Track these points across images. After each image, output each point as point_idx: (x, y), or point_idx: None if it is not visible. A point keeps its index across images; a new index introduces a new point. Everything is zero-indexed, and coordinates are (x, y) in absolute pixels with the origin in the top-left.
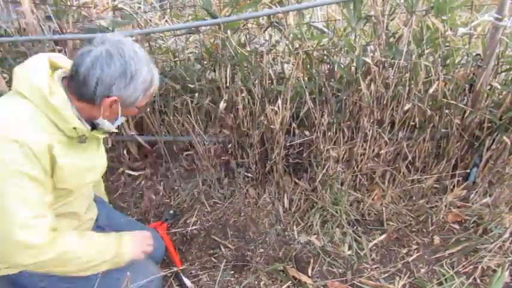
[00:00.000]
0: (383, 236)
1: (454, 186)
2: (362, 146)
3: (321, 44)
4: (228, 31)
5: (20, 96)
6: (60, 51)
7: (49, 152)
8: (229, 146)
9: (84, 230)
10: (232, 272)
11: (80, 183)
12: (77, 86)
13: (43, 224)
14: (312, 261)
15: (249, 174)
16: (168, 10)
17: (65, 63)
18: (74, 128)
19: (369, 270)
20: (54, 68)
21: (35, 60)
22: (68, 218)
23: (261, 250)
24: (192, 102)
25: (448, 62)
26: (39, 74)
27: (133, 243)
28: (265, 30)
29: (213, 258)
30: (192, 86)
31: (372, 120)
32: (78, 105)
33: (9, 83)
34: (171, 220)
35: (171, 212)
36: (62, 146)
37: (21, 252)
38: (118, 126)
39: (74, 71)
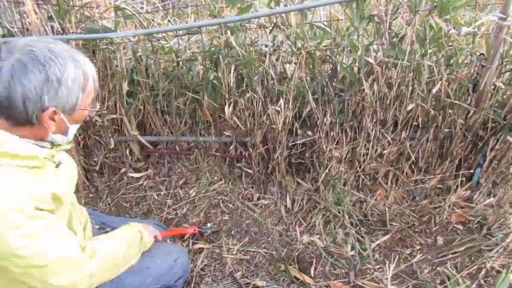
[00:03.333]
0: (386, 237)
1: (457, 187)
2: (365, 146)
3: (324, 44)
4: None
5: None
6: None
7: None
8: (232, 146)
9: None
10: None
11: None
12: (6, 112)
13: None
14: (314, 261)
15: (251, 172)
16: (171, 10)
17: None
18: (45, 158)
19: (372, 270)
20: None
21: None
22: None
23: (264, 250)
24: (194, 102)
25: (451, 61)
26: None
27: (147, 230)
28: (271, 31)
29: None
30: (194, 86)
31: (374, 120)
32: (21, 132)
33: None
34: (207, 232)
35: (209, 225)
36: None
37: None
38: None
39: None
